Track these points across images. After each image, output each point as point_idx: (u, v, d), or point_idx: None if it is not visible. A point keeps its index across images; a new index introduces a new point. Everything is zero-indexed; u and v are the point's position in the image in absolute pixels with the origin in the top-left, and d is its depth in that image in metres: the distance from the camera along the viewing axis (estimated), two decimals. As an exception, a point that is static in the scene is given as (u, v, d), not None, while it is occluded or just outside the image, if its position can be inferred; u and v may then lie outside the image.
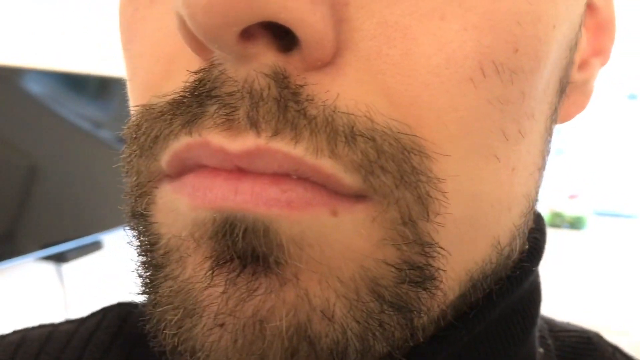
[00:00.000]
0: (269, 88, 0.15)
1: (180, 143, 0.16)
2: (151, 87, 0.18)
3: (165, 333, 0.17)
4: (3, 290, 1.15)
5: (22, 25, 1.13)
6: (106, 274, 1.43)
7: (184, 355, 0.17)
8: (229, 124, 0.15)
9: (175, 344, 0.17)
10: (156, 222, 0.18)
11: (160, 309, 0.17)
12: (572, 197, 2.47)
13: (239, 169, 0.16)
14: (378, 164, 0.15)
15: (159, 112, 0.17)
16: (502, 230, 0.19)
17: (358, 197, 0.16)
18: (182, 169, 0.17)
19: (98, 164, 1.25)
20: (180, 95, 0.16)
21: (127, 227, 0.20)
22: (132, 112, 0.19)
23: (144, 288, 0.19)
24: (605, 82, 2.40)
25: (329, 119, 0.15)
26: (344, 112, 0.15)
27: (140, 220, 0.18)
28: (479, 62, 0.16)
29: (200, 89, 0.16)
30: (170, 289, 0.17)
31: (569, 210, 2.40)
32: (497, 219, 0.19)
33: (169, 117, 0.16)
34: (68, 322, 0.29)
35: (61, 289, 1.28)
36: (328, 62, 0.15)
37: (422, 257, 0.17)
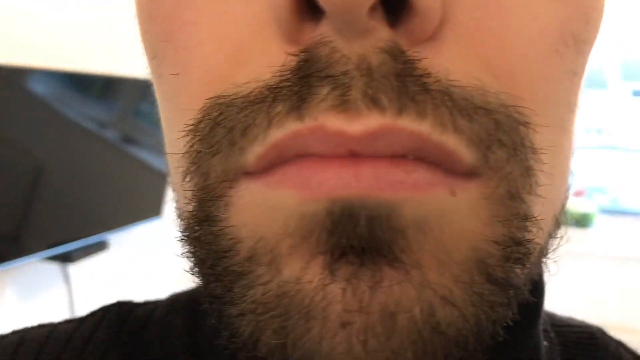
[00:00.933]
0: (387, 64, 0.14)
1: (286, 130, 0.15)
2: (218, 77, 0.16)
3: (269, 343, 0.16)
4: (9, 290, 1.15)
5: (26, 25, 1.13)
6: (112, 274, 1.43)
7: None
8: (345, 105, 0.14)
9: (286, 353, 0.16)
10: (233, 226, 0.16)
11: (255, 319, 0.16)
12: (578, 194, 2.45)
13: (353, 153, 0.15)
14: (496, 137, 0.15)
15: (248, 101, 0.15)
16: (559, 203, 0.20)
17: (469, 174, 0.15)
18: (275, 162, 0.15)
19: (103, 164, 1.25)
20: (279, 79, 0.15)
21: (185, 238, 0.18)
22: (189, 107, 0.17)
23: (216, 300, 0.17)
24: (610, 78, 2.38)
25: (448, 93, 0.15)
26: (459, 86, 0.15)
27: (207, 226, 0.17)
28: (563, 33, 0.17)
29: (307, 69, 0.15)
30: (267, 294, 0.16)
31: (575, 208, 2.39)
32: (559, 191, 0.19)
33: (266, 104, 0.15)
34: (67, 322, 0.29)
35: (67, 289, 1.28)
36: (430, 37, 0.15)
37: (525, 232, 0.16)
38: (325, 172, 0.15)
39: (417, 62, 0.15)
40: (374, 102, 0.14)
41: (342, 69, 0.14)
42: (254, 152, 0.15)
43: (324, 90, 0.14)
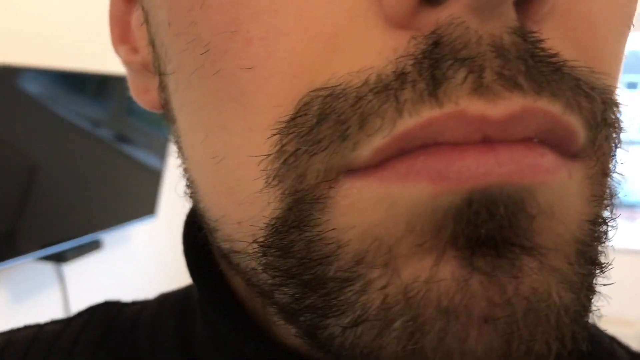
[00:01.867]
0: (519, 44, 0.14)
1: (421, 118, 0.14)
2: (312, 68, 0.15)
3: (396, 351, 0.15)
4: (3, 291, 1.15)
5: (19, 23, 1.12)
6: (106, 273, 1.43)
7: None
8: (482, 88, 0.14)
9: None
10: (334, 229, 0.15)
11: (377, 326, 0.15)
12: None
13: (487, 139, 0.14)
14: (604, 117, 0.16)
15: (368, 90, 0.14)
16: None
17: (575, 155, 0.15)
18: (394, 154, 0.14)
19: (97, 163, 1.25)
20: (402, 64, 0.14)
21: (262, 249, 0.17)
22: (271, 104, 0.16)
23: (308, 311, 0.16)
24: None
25: (570, 73, 0.15)
26: (574, 66, 0.15)
27: (299, 232, 0.16)
28: (626, 15, 0.17)
29: (438, 52, 0.14)
30: (389, 298, 0.15)
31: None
32: None
33: (392, 92, 0.14)
34: (54, 323, 0.29)
35: (61, 289, 1.28)
36: (539, 19, 0.15)
37: (609, 210, 0.17)
38: (464, 159, 0.14)
39: (542, 42, 0.14)
40: (513, 84, 0.14)
41: (479, 49, 0.14)
42: (372, 145, 0.14)
43: (461, 74, 0.14)
